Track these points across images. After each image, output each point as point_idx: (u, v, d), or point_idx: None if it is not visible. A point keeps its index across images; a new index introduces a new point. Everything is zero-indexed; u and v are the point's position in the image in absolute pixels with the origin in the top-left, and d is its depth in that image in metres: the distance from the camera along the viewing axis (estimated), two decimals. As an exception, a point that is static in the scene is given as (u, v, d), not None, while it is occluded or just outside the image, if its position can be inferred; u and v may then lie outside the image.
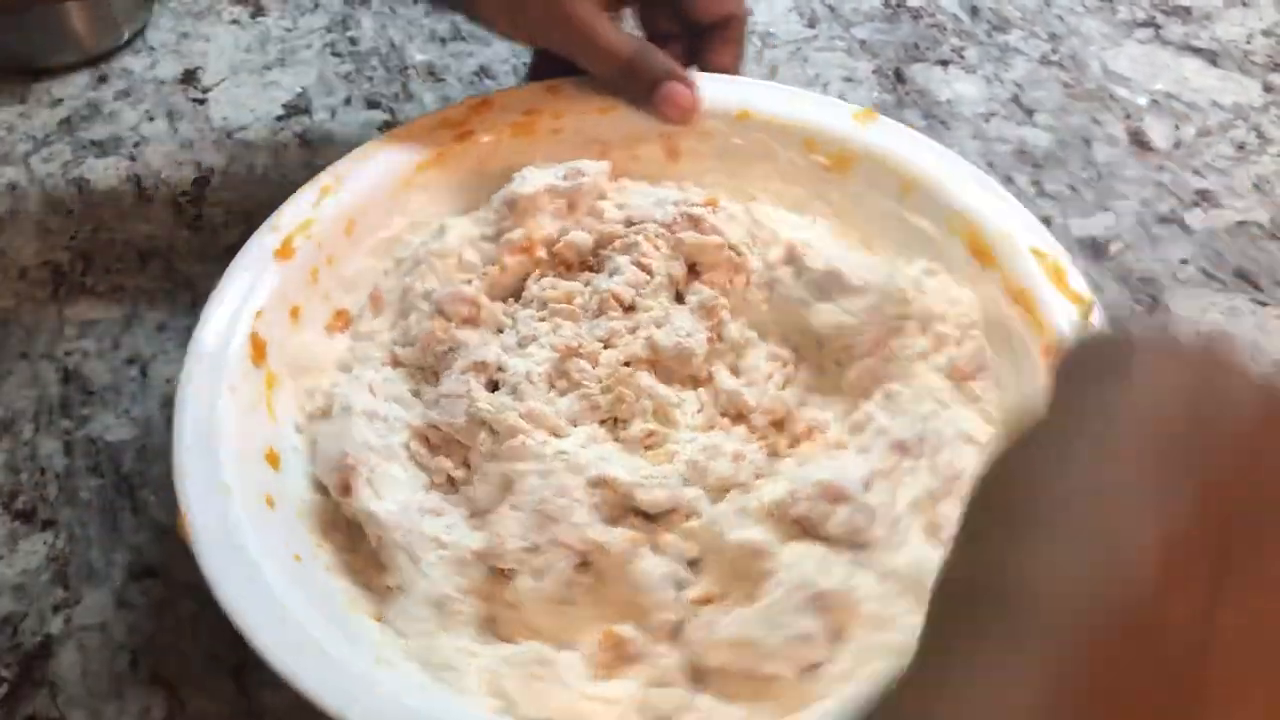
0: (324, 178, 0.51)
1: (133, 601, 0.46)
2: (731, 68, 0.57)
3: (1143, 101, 0.65)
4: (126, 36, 0.69)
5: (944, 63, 0.68)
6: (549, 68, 0.56)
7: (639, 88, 0.54)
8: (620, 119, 0.54)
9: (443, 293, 0.49)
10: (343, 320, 0.51)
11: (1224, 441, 0.23)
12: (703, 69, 0.56)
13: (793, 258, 0.49)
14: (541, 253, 0.50)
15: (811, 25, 0.70)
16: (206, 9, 0.72)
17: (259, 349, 0.46)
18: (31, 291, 0.57)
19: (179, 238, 0.59)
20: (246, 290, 0.47)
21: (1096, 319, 0.46)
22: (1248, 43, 0.69)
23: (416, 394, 0.48)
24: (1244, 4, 0.71)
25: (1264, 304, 0.55)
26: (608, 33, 0.53)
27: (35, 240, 0.59)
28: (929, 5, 0.71)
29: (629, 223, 0.51)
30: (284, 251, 0.49)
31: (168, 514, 0.48)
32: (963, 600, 0.23)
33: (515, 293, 0.51)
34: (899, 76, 0.67)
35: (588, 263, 0.51)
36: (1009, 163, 0.62)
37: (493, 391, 0.46)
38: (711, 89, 0.54)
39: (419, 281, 0.50)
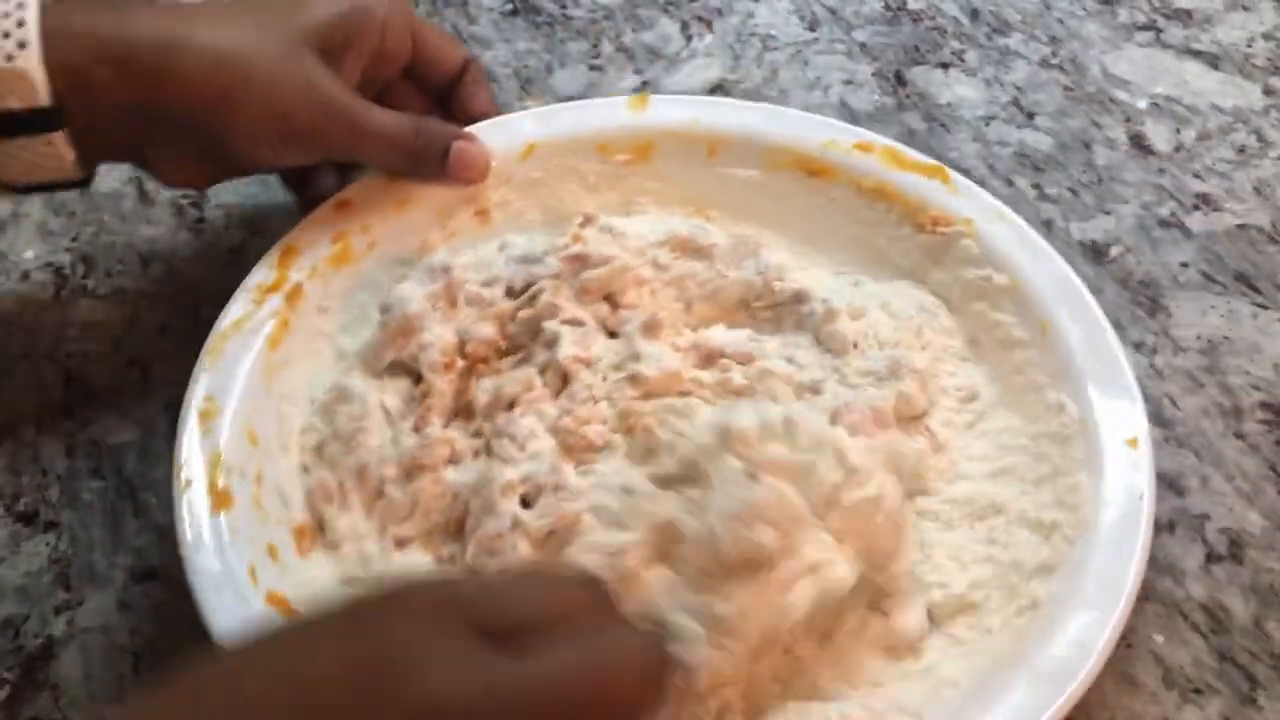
0: (197, 402, 0.46)
1: (135, 604, 0.46)
2: (489, 108, 0.57)
3: (1143, 105, 0.65)
4: None
5: (944, 65, 0.68)
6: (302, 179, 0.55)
7: (429, 162, 0.53)
8: (419, 208, 0.53)
9: (410, 454, 0.45)
10: (308, 537, 0.45)
11: None
12: (464, 121, 0.55)
13: (678, 245, 0.51)
14: (459, 363, 0.49)
15: (812, 28, 0.70)
16: (208, 11, 0.72)
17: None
18: (34, 293, 0.57)
19: (180, 241, 0.59)
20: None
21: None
22: (1248, 46, 0.69)
23: (447, 559, 0.44)
24: (1244, 8, 0.71)
25: (1264, 307, 0.56)
26: (386, 120, 0.51)
27: (37, 242, 0.59)
28: (929, 8, 0.71)
29: (511, 293, 0.50)
30: (220, 501, 0.44)
31: (169, 517, 0.48)
32: None
33: (456, 413, 0.48)
34: (899, 79, 0.67)
35: (500, 348, 0.49)
36: (1009, 165, 0.62)
37: (524, 507, 0.44)
38: (489, 136, 0.55)
39: (366, 455, 0.46)
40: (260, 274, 0.50)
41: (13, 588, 0.46)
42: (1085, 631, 0.39)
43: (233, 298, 0.49)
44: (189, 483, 0.43)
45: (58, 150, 0.46)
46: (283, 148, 0.50)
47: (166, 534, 0.47)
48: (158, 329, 0.55)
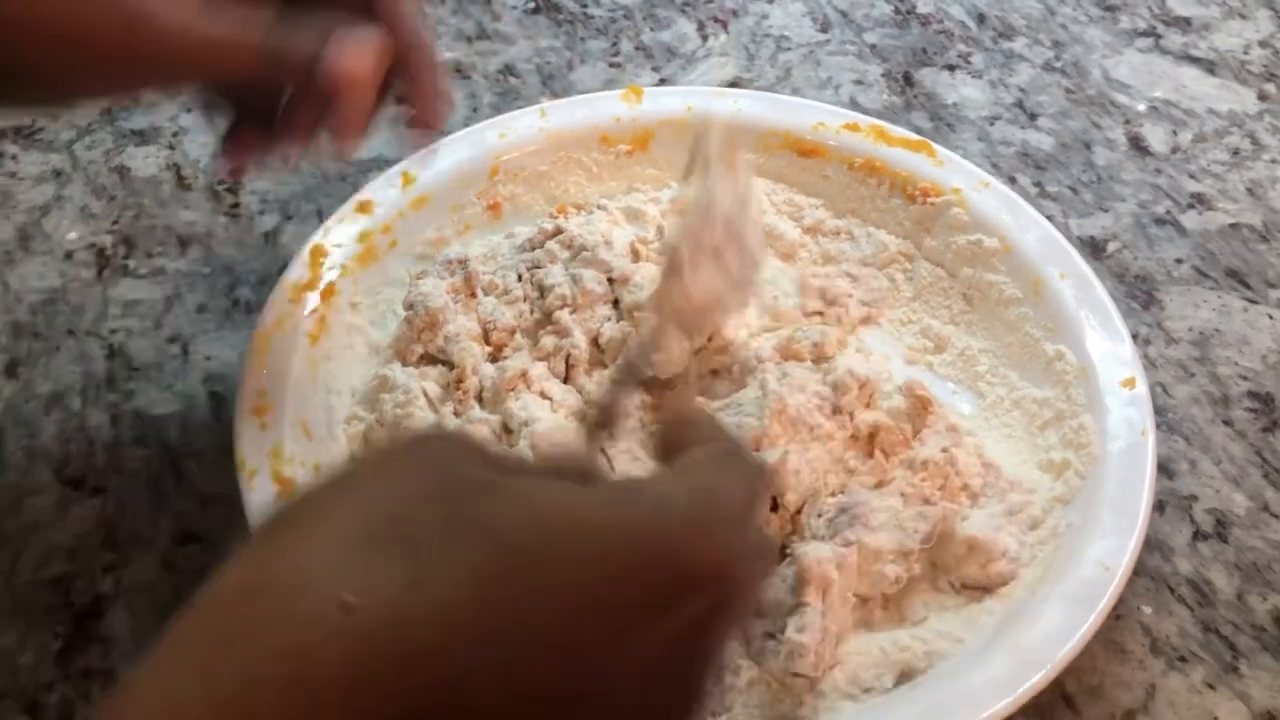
0: (250, 399, 0.48)
1: (178, 564, 0.48)
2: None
3: (1142, 108, 0.68)
4: None
5: (951, 68, 0.70)
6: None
7: (291, 74, 0.40)
8: (434, 206, 0.56)
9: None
10: None
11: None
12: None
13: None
14: (485, 348, 0.51)
15: (824, 30, 0.73)
16: None
17: None
18: (77, 272, 0.59)
19: (216, 224, 0.61)
20: None
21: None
22: (1245, 53, 0.71)
23: None
24: (1242, 16, 0.74)
25: (1254, 302, 0.58)
26: (222, 25, 0.38)
27: (80, 224, 0.61)
28: (938, 12, 0.74)
29: (521, 278, 0.53)
30: (285, 489, 0.45)
31: (210, 485, 0.50)
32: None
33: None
34: (907, 80, 0.70)
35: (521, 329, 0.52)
36: (1012, 164, 0.64)
37: None
38: (494, 137, 0.58)
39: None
40: (295, 273, 0.53)
41: (63, 548, 0.49)
42: (1108, 555, 0.42)
43: (270, 298, 0.52)
44: (254, 473, 0.46)
45: None
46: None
47: (207, 500, 0.50)
48: (196, 308, 0.58)
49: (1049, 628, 0.41)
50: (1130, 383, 0.47)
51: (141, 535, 0.49)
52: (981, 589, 0.45)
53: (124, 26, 0.38)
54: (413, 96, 0.43)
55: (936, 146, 0.57)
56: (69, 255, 0.60)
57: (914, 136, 0.58)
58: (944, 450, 0.46)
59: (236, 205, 0.62)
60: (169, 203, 0.62)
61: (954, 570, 0.45)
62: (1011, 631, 0.41)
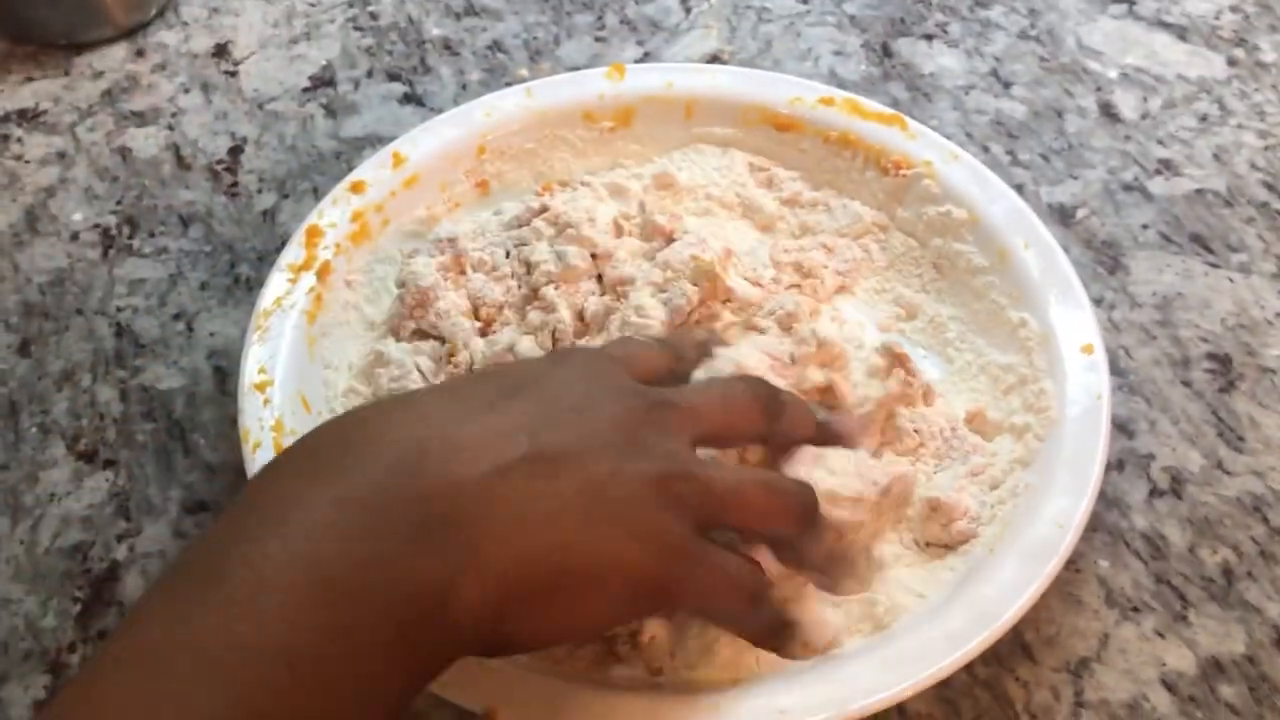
0: (251, 375, 0.50)
1: (188, 532, 0.51)
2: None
3: (1113, 75, 0.70)
4: (154, 11, 0.74)
5: (928, 37, 0.72)
6: None
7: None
8: (424, 185, 0.58)
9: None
10: None
11: None
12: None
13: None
14: (476, 323, 0.54)
15: (804, 1, 0.74)
16: (234, -15, 0.76)
17: None
18: (83, 253, 0.62)
19: (217, 204, 0.64)
20: None
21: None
22: (1216, 18, 0.73)
23: None
24: (1214, -20, 0.75)
25: (1216, 266, 0.60)
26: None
27: (84, 205, 0.64)
28: (916, -19, 0.75)
29: (508, 254, 0.55)
30: None
31: (216, 455, 0.53)
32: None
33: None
34: (885, 50, 0.71)
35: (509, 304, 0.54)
36: (986, 133, 0.66)
37: None
38: (480, 116, 0.60)
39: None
40: (291, 254, 0.55)
41: (79, 518, 0.52)
42: (1062, 514, 0.45)
43: (268, 277, 0.54)
44: (258, 445, 0.48)
45: None
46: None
47: (214, 470, 0.53)
48: (199, 285, 0.60)
49: (1004, 583, 0.43)
50: (1088, 349, 0.50)
51: (153, 504, 0.52)
52: (944, 546, 0.47)
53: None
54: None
55: (909, 120, 0.59)
56: (75, 236, 0.62)
57: (888, 110, 0.60)
58: (913, 424, 0.49)
59: (235, 185, 0.65)
60: (170, 183, 0.65)
61: (917, 529, 0.47)
62: (969, 587, 0.44)
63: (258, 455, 0.48)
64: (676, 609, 0.41)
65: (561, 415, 0.35)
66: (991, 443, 0.50)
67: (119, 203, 0.64)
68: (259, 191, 0.64)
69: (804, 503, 0.41)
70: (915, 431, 0.49)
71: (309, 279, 0.54)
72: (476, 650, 0.35)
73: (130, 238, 0.62)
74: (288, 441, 0.48)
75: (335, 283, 0.55)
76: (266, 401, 0.49)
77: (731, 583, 0.38)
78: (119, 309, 0.59)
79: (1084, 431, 0.47)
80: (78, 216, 0.63)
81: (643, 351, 0.41)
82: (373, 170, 0.58)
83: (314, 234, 0.55)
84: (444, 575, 0.32)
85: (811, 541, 0.42)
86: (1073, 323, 0.51)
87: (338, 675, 0.30)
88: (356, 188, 0.57)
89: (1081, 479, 0.46)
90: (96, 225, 0.63)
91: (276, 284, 0.53)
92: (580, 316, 0.53)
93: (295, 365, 0.51)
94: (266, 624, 0.29)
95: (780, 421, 0.42)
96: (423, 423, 0.34)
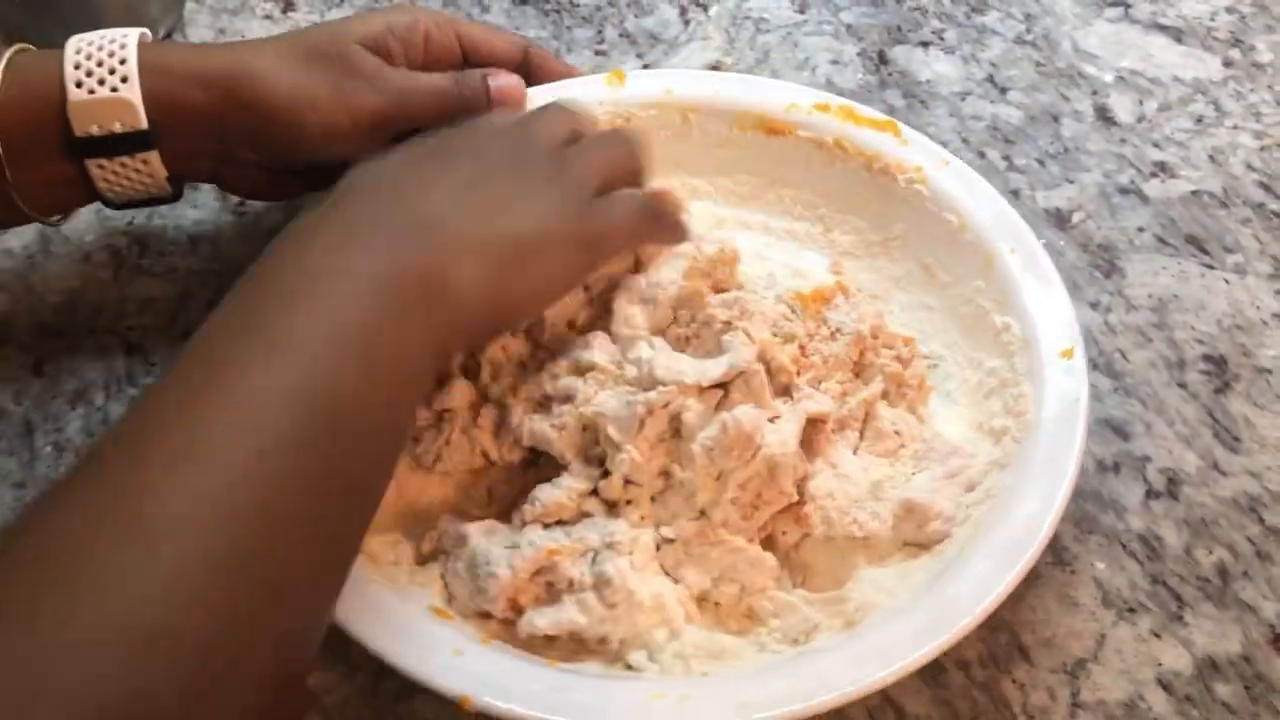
0: None
1: (199, 546, 0.52)
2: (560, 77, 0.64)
3: (1109, 78, 0.70)
4: (162, 34, 0.75)
5: (925, 44, 0.73)
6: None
7: (475, 104, 0.58)
8: None
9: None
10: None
11: None
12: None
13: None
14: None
15: (802, 11, 0.75)
16: (240, 5, 0.77)
17: None
18: (94, 273, 0.63)
19: (224, 223, 0.65)
20: None
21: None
22: (1211, 20, 0.74)
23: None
24: (1210, -19, 0.76)
25: (1211, 267, 0.61)
26: (431, 81, 0.57)
27: (95, 226, 0.65)
28: (913, -12, 0.76)
29: None
30: None
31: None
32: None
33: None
34: (882, 58, 0.72)
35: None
36: (982, 138, 0.67)
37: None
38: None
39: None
40: None
41: (92, 534, 0.53)
42: (1033, 516, 0.45)
43: None
44: None
45: (153, 167, 0.54)
46: (345, 140, 0.55)
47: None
48: (207, 303, 0.61)
49: (973, 582, 0.44)
50: (1068, 353, 0.50)
51: (164, 520, 0.53)
52: (919, 546, 0.48)
53: (401, 100, 0.56)
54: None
55: (902, 126, 0.60)
56: (87, 257, 0.64)
57: (881, 116, 0.60)
58: (894, 425, 0.50)
59: (242, 204, 0.66)
60: (178, 203, 0.66)
61: (893, 529, 0.48)
62: (938, 586, 0.44)
63: None
64: (612, 249, 0.51)
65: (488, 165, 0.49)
66: (971, 445, 0.51)
67: (129, 223, 0.65)
68: (266, 210, 0.65)
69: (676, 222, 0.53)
70: (896, 433, 0.50)
71: None
72: (482, 318, 0.46)
73: (140, 257, 0.63)
74: None
75: None
76: None
77: (637, 210, 0.51)
78: (130, 328, 0.60)
79: (1060, 435, 0.48)
80: (89, 238, 0.64)
81: (548, 127, 0.52)
82: None
83: None
84: (443, 261, 0.44)
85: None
86: (1054, 327, 0.51)
87: (388, 354, 0.41)
88: None
89: (1055, 481, 0.46)
90: (107, 246, 0.64)
91: None
92: (571, 325, 0.54)
93: None
94: (336, 313, 0.40)
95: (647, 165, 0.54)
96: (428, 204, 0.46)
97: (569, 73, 0.64)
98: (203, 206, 0.66)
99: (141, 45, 0.53)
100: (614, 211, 0.50)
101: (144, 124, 0.52)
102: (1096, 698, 0.47)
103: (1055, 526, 0.45)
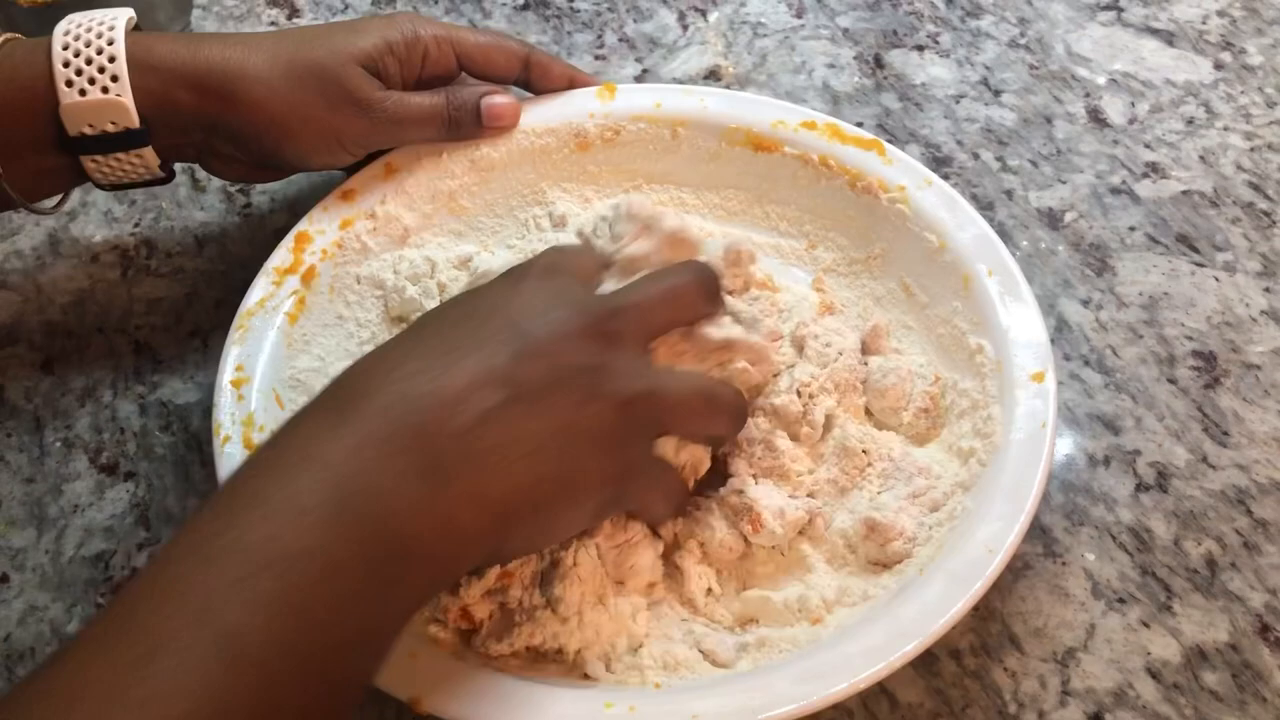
0: (229, 372, 0.53)
1: (205, 540, 0.53)
2: (561, 83, 0.63)
3: (1102, 81, 0.71)
4: (173, 38, 0.76)
5: (920, 48, 0.74)
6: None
7: (466, 124, 0.60)
8: (406, 197, 0.61)
9: None
10: None
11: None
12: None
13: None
14: None
15: (799, 15, 0.76)
16: (246, 12, 0.79)
17: None
18: (103, 273, 0.64)
19: (230, 224, 0.66)
20: None
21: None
22: (1203, 23, 0.75)
23: None
24: (1202, -15, 0.77)
25: (1201, 265, 0.62)
26: (421, 102, 0.58)
27: (104, 227, 0.66)
28: (908, -7, 0.77)
29: None
30: None
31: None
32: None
33: None
34: (878, 62, 0.73)
35: None
36: (976, 140, 0.68)
37: None
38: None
39: None
40: (278, 258, 0.57)
41: (101, 528, 0.54)
42: (993, 538, 0.45)
43: (255, 280, 0.56)
44: (227, 439, 0.50)
45: (146, 160, 0.55)
46: (331, 155, 0.58)
47: (230, 480, 0.55)
48: (214, 303, 0.62)
49: (927, 603, 0.44)
50: (1039, 376, 0.50)
51: (172, 514, 0.54)
52: (880, 564, 0.49)
53: (390, 124, 0.57)
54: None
55: (887, 145, 0.60)
56: (95, 257, 0.65)
57: (867, 135, 0.60)
58: (861, 443, 0.51)
59: (248, 205, 0.67)
60: (185, 204, 0.67)
61: (855, 548, 0.49)
62: (894, 605, 0.45)
63: (226, 448, 0.50)
64: (622, 509, 0.47)
65: (531, 347, 0.41)
66: (939, 465, 0.51)
67: (137, 225, 0.66)
68: (271, 212, 0.66)
69: (738, 409, 0.48)
70: (864, 452, 0.51)
71: (293, 282, 0.56)
72: (478, 560, 0.43)
73: (148, 258, 0.65)
74: (258, 437, 0.50)
75: (319, 287, 0.57)
76: (241, 398, 0.52)
77: (668, 494, 0.47)
78: (138, 327, 0.61)
79: (1025, 458, 0.48)
80: (97, 239, 0.66)
81: (578, 259, 0.47)
82: (364, 179, 0.60)
83: (303, 240, 0.58)
84: (445, 509, 0.38)
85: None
86: (1027, 350, 0.51)
87: (364, 579, 0.36)
88: (347, 196, 0.59)
89: (1017, 505, 0.46)
90: (115, 247, 0.65)
91: (261, 287, 0.56)
92: None
93: (273, 365, 0.54)
94: (305, 533, 0.35)
95: (718, 300, 0.47)
96: (419, 376, 0.40)
97: (573, 76, 0.64)
98: (209, 209, 0.67)
99: (130, 38, 0.53)
100: (665, 477, 0.46)
101: (136, 123, 0.53)
102: (1086, 686, 0.47)
103: (1014, 551, 0.45)
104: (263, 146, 0.56)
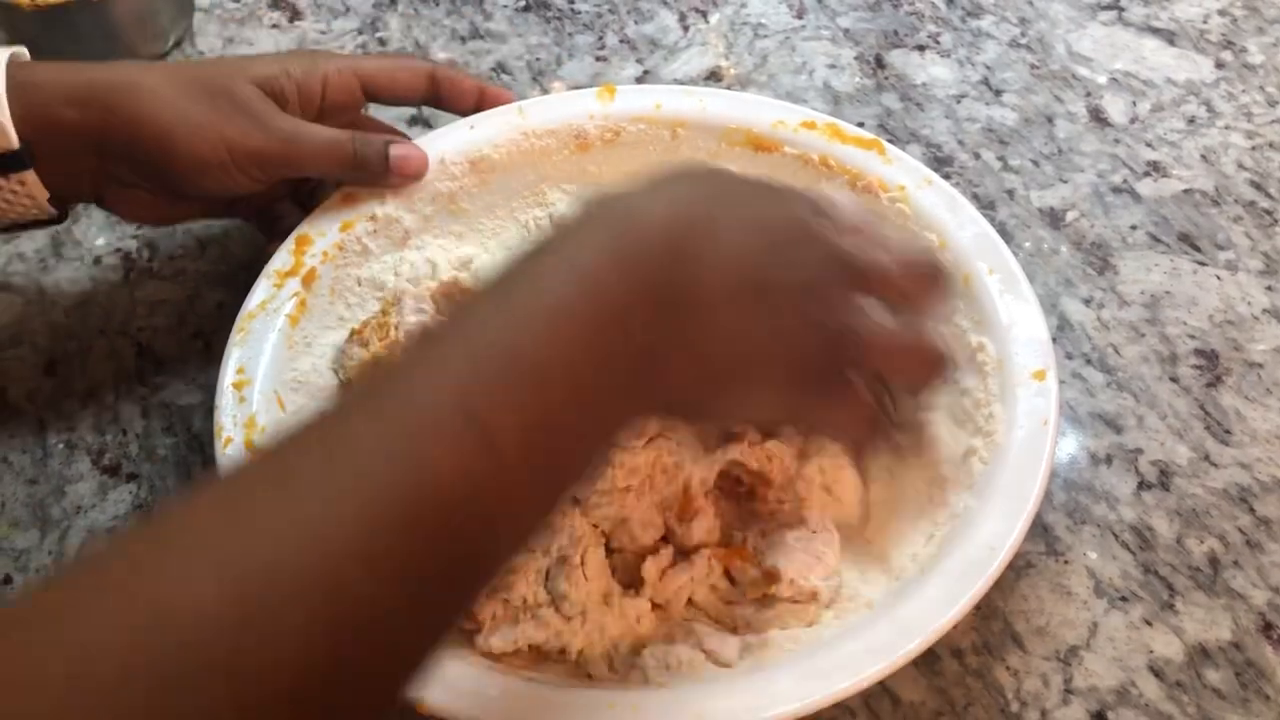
0: (231, 374, 0.53)
1: (208, 541, 0.53)
2: (469, 102, 0.62)
3: (1103, 80, 0.71)
4: (171, 43, 0.76)
5: (921, 48, 0.74)
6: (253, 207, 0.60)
7: (371, 168, 0.57)
8: (404, 199, 0.60)
9: None
10: None
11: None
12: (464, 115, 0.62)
13: None
14: None
15: (800, 16, 0.76)
16: (248, 15, 0.79)
17: None
18: (106, 276, 0.64)
19: (232, 227, 0.66)
20: None
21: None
22: (1204, 22, 0.75)
23: None
24: (1203, -15, 0.77)
25: (1203, 264, 0.62)
26: (323, 134, 0.56)
27: (107, 231, 0.66)
28: (909, -6, 0.77)
29: None
30: None
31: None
32: None
33: None
34: (879, 62, 0.73)
35: None
36: (977, 140, 0.68)
37: None
38: (476, 128, 0.62)
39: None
40: (279, 260, 0.57)
41: (104, 529, 0.54)
42: (995, 537, 0.45)
43: (256, 282, 0.56)
44: (229, 440, 0.50)
45: (30, 189, 0.52)
46: (225, 175, 0.54)
47: (232, 482, 0.55)
48: (216, 305, 0.62)
49: (929, 602, 0.44)
50: (1040, 375, 0.50)
51: (174, 515, 0.54)
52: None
53: (285, 147, 0.55)
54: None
55: (887, 145, 0.60)
56: (98, 260, 0.65)
57: (867, 135, 0.61)
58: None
59: (250, 207, 0.67)
60: (187, 207, 0.67)
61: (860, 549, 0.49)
62: (898, 604, 0.45)
63: (228, 450, 0.50)
64: (812, 424, 0.49)
65: (787, 250, 0.41)
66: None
67: (139, 228, 0.66)
68: (273, 213, 0.66)
69: (942, 361, 0.45)
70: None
71: (294, 285, 0.56)
72: (677, 409, 0.43)
73: (150, 261, 0.65)
74: (259, 437, 0.50)
75: (320, 289, 0.57)
76: (242, 399, 0.52)
77: (858, 415, 0.44)
78: (140, 329, 0.62)
79: (1027, 456, 0.48)
80: (100, 242, 0.66)
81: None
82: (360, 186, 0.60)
83: (303, 242, 0.58)
84: (664, 350, 0.39)
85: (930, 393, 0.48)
86: (1028, 349, 0.51)
87: (593, 392, 0.37)
88: (347, 198, 0.60)
89: (1019, 503, 0.46)
90: (118, 250, 0.65)
91: (262, 289, 0.56)
92: None
93: (274, 367, 0.53)
94: (547, 338, 0.36)
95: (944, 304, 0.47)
96: (699, 205, 0.41)
97: (482, 91, 0.62)
98: (211, 211, 0.67)
99: (13, 64, 0.51)
100: (857, 394, 0.44)
101: (15, 143, 0.51)
102: (1089, 684, 0.47)
103: (1016, 549, 0.45)
104: (152, 160, 0.53)
